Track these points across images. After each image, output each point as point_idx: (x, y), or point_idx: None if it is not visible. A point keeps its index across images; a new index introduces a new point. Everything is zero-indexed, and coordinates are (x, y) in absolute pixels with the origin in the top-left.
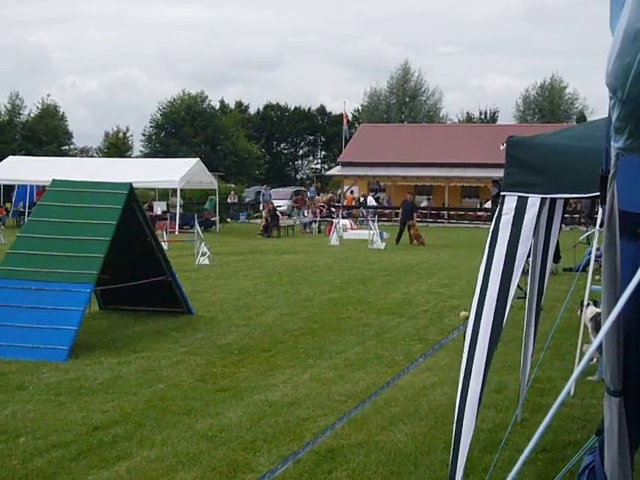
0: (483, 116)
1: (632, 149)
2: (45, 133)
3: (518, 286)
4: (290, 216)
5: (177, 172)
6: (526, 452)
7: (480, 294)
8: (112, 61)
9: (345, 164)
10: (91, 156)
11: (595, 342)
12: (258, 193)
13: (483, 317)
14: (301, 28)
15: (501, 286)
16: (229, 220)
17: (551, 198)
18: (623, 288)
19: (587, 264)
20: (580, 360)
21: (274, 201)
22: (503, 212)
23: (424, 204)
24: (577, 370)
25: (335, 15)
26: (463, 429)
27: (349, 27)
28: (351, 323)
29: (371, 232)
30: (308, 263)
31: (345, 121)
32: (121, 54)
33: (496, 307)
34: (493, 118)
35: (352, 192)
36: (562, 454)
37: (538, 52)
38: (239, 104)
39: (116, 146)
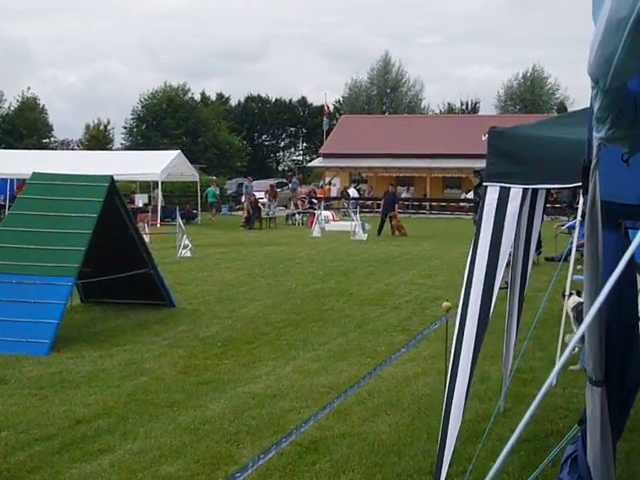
0: (464, 107)
1: (614, 139)
2: (25, 126)
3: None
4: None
5: (158, 164)
6: (509, 445)
7: (466, 286)
8: (93, 53)
9: (326, 156)
10: (72, 149)
11: (578, 333)
12: (240, 185)
13: (469, 309)
14: (283, 18)
15: (486, 278)
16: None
17: (533, 188)
18: (605, 278)
19: (569, 254)
20: (562, 350)
21: (255, 193)
22: (486, 203)
23: (404, 195)
24: (559, 363)
25: (317, 5)
26: (450, 420)
27: (331, 17)
28: (334, 314)
29: (353, 223)
30: (290, 255)
31: (326, 113)
32: (102, 46)
33: (482, 299)
34: (474, 109)
35: (330, 184)
36: (545, 444)
37: (520, 42)
38: (220, 96)
39: (97, 139)
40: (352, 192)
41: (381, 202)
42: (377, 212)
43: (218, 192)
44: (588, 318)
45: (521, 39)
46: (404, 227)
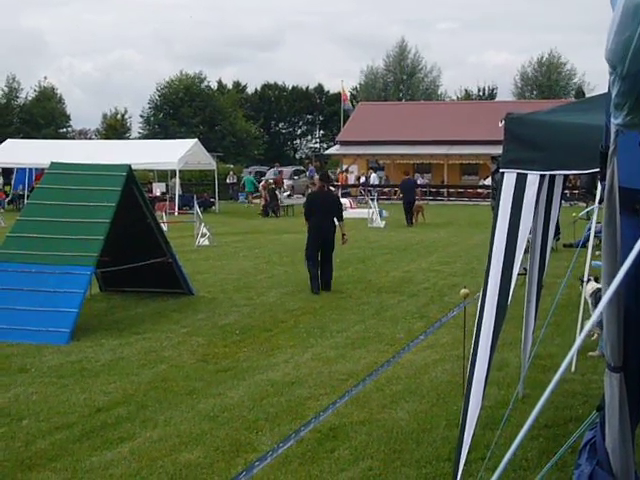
0: (482, 93)
1: (632, 125)
2: (43, 116)
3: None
4: (290, 195)
5: (176, 153)
6: (525, 429)
7: (486, 273)
8: (109, 42)
9: (344, 143)
10: (89, 138)
11: (593, 317)
12: (257, 174)
13: (487, 296)
14: (299, 5)
15: (504, 264)
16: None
17: (550, 175)
18: (622, 264)
19: (587, 240)
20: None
21: (272, 181)
22: (503, 189)
23: (419, 181)
24: (572, 349)
25: None
26: (469, 407)
27: (347, 4)
28: (352, 302)
29: (371, 211)
30: None
31: (344, 99)
32: (118, 35)
33: (500, 285)
34: (492, 95)
35: (347, 171)
36: (564, 430)
37: (538, 27)
38: (237, 84)
39: (114, 128)
40: (373, 177)
41: (399, 189)
42: (394, 200)
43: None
44: (604, 301)
45: (539, 24)
46: (421, 210)
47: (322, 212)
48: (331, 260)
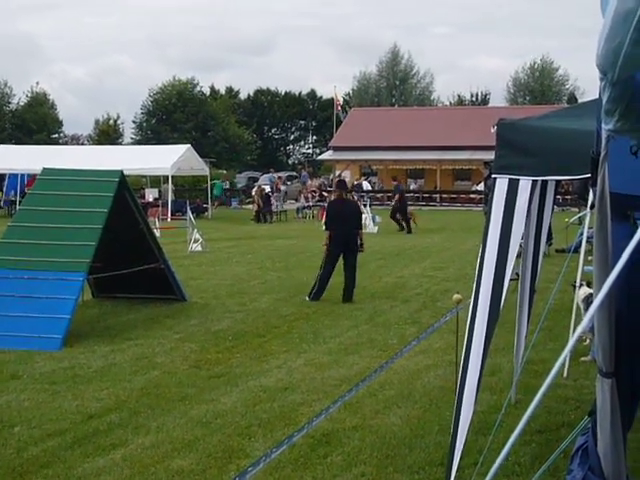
0: (474, 98)
1: (622, 131)
2: (35, 121)
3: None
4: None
5: (168, 159)
6: (516, 433)
7: (477, 278)
8: (102, 47)
9: (337, 148)
10: (82, 144)
11: (584, 321)
12: (250, 179)
13: (480, 301)
14: (292, 10)
15: (496, 269)
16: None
17: (542, 180)
18: (614, 269)
19: (579, 245)
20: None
21: (265, 187)
22: (495, 195)
23: (412, 187)
24: (563, 355)
25: None
26: (461, 412)
27: (340, 9)
28: (345, 307)
29: (364, 216)
30: (301, 248)
31: (337, 105)
32: (111, 40)
33: (492, 291)
34: (484, 100)
35: (339, 176)
36: (556, 435)
37: (531, 31)
38: (229, 89)
39: (107, 133)
40: (365, 185)
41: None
42: (388, 205)
43: (226, 186)
44: (594, 306)
45: (533, 29)
46: (414, 214)
47: (343, 220)
48: (355, 267)
